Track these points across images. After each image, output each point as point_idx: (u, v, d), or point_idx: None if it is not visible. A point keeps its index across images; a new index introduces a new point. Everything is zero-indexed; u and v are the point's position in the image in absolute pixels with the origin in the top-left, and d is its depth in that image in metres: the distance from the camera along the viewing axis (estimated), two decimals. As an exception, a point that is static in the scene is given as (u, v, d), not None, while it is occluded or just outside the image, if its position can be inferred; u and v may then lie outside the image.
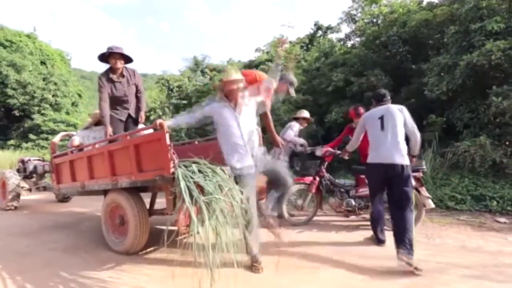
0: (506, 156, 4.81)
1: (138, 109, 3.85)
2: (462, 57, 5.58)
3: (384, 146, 2.81)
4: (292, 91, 3.59)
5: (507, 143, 5.08)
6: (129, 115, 3.77)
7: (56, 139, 4.93)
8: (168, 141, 2.59)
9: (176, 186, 2.37)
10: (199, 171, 2.53)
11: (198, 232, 2.10)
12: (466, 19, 6.18)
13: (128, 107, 3.74)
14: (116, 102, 3.63)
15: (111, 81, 3.57)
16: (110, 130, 3.52)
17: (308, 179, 4.07)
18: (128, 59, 3.68)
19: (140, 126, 3.88)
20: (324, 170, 4.08)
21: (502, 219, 3.87)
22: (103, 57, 3.58)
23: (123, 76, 3.66)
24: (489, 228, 3.60)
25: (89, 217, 4.80)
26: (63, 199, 6.07)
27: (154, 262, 2.87)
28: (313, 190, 4.01)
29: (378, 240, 3.16)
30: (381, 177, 2.83)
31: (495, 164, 4.89)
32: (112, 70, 3.59)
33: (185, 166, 2.56)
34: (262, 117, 3.52)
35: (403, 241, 2.58)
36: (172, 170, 2.53)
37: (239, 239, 2.32)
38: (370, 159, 2.94)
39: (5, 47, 16.72)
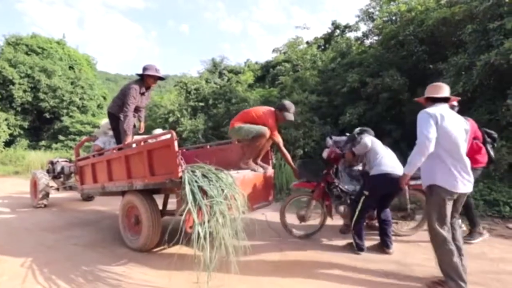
0: (523, 160, 4.65)
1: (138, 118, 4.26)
2: (480, 57, 5.43)
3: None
4: (289, 115, 3.61)
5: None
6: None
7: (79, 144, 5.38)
8: (176, 148, 2.80)
9: (182, 190, 2.57)
10: (204, 175, 2.71)
11: (199, 232, 2.28)
12: (485, 17, 5.98)
13: (137, 116, 4.11)
14: (134, 110, 3.92)
15: (141, 94, 3.90)
16: (130, 139, 3.80)
17: (312, 184, 3.67)
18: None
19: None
20: (332, 175, 3.66)
21: (514, 225, 3.78)
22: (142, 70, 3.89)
23: (148, 90, 4.03)
24: (497, 234, 3.54)
25: (109, 215, 5.14)
26: (87, 198, 6.48)
27: (164, 259, 3.08)
28: (317, 197, 3.60)
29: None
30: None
31: (512, 168, 4.74)
32: (144, 84, 3.88)
33: (192, 172, 2.76)
34: (279, 152, 3.90)
35: None
36: (180, 174, 2.74)
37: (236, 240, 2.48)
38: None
39: (37, 53, 17.85)
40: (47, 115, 16.83)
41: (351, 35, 12.65)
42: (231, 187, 2.67)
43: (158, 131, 5.61)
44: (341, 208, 3.57)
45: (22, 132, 16.30)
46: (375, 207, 3.24)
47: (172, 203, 3.59)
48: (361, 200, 3.08)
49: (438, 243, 2.33)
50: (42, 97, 16.29)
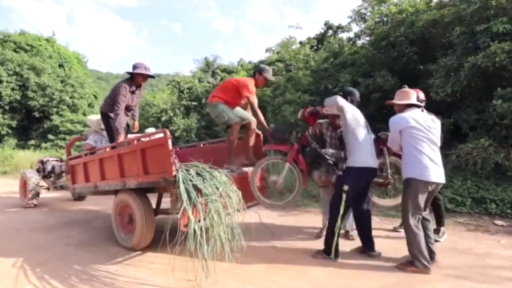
0: (508, 159, 4.78)
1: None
2: (467, 59, 5.56)
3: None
4: (269, 75, 3.65)
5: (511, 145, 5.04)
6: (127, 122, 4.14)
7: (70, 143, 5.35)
8: (170, 147, 2.81)
9: (177, 188, 2.58)
10: (198, 174, 2.73)
11: (194, 230, 2.30)
12: (473, 20, 6.13)
13: (130, 114, 4.11)
14: (126, 109, 3.91)
15: (131, 92, 3.89)
16: (122, 137, 3.80)
17: (285, 146, 3.28)
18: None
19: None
20: (307, 136, 3.29)
21: (500, 222, 3.91)
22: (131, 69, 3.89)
23: (139, 89, 4.03)
24: (484, 231, 3.65)
25: (102, 215, 5.10)
26: (79, 197, 6.40)
27: (158, 257, 3.08)
28: (291, 161, 3.20)
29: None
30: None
31: (499, 166, 4.88)
32: (134, 82, 3.89)
33: (186, 170, 2.78)
34: (251, 110, 3.64)
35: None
36: (174, 173, 2.74)
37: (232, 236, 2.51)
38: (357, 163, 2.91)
39: (26, 51, 17.49)
40: (36, 114, 16.50)
41: (344, 35, 12.78)
42: (225, 185, 2.70)
43: (150, 130, 5.60)
44: (316, 173, 3.33)
45: (10, 131, 15.95)
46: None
47: (165, 202, 3.60)
48: (343, 198, 2.85)
49: (409, 228, 2.66)
50: (31, 96, 15.97)
